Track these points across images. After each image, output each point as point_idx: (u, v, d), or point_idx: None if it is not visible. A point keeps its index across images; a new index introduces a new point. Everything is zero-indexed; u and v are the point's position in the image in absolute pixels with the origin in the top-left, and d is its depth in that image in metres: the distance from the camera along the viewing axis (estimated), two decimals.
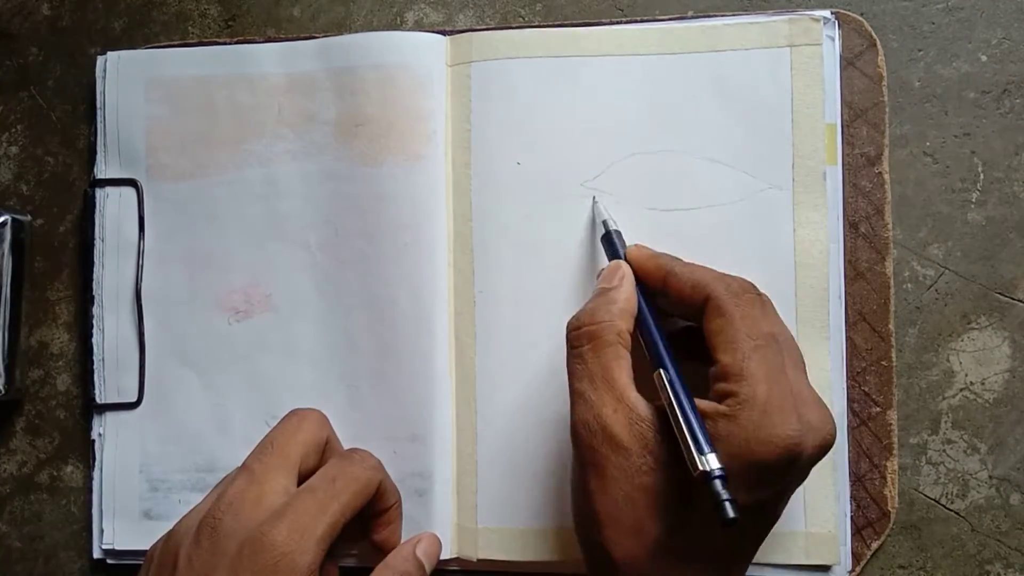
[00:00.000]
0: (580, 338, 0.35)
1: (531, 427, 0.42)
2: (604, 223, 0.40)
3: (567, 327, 0.36)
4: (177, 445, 0.45)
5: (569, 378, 0.35)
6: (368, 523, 0.40)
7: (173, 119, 0.45)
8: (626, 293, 0.36)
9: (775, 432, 0.31)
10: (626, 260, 0.38)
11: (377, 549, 0.40)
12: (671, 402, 0.33)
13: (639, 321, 0.36)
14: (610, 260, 0.39)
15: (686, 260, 0.37)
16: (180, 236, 0.45)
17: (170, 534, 0.37)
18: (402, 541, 0.41)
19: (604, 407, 0.33)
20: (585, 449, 0.34)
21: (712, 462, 0.30)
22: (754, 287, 0.35)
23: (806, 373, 0.35)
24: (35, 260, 0.47)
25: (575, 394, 0.35)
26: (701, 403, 0.33)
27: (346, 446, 0.42)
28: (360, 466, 0.38)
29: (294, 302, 0.44)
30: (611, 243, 0.40)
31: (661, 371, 0.34)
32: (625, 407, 0.33)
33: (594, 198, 0.42)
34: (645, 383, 0.34)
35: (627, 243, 0.39)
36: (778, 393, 0.32)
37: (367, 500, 0.38)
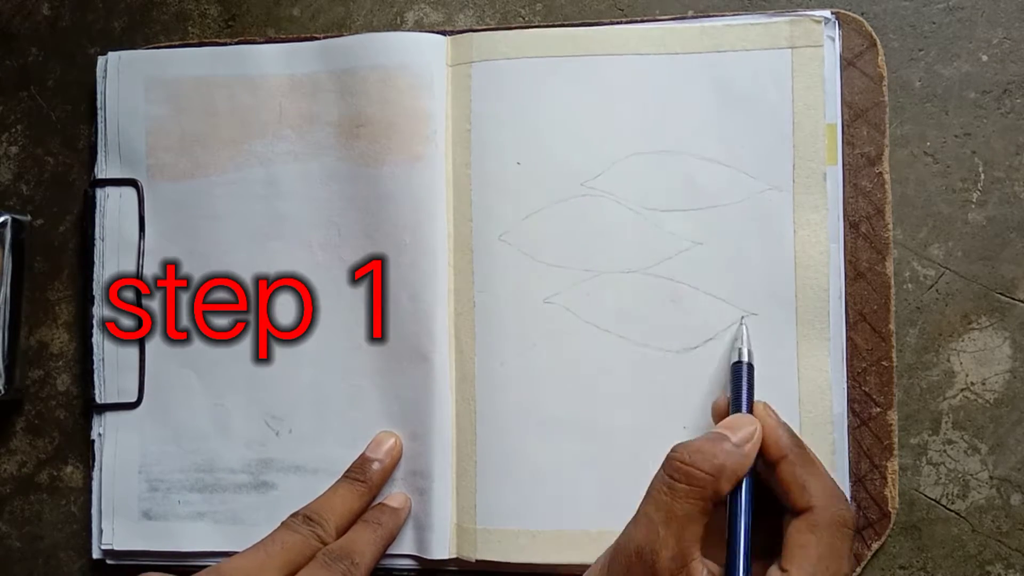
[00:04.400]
0: (681, 474, 0.34)
1: (531, 427, 0.42)
2: (740, 351, 0.39)
3: (673, 452, 0.35)
4: (177, 445, 0.45)
5: (647, 496, 0.34)
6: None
7: (173, 119, 0.45)
8: (745, 457, 0.35)
9: None
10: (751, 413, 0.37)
11: None
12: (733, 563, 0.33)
13: (735, 490, 0.35)
14: (731, 393, 0.38)
15: (806, 448, 0.36)
16: (180, 236, 0.45)
17: None
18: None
19: (665, 549, 0.33)
20: (622, 572, 0.34)
21: None
22: (856, 521, 0.35)
23: None
24: (35, 260, 0.47)
25: (644, 516, 0.34)
26: None
27: (347, 445, 0.43)
28: None
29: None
30: (738, 377, 0.38)
31: (734, 531, 0.34)
32: (682, 560, 0.33)
33: (742, 319, 0.41)
34: (709, 540, 0.34)
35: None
36: None
37: None
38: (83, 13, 0.48)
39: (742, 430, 0.35)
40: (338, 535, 0.40)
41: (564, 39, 0.43)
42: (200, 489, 0.44)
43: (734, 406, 0.38)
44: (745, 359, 0.39)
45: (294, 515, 0.40)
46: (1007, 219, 0.42)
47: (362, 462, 0.42)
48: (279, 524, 0.40)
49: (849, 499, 0.40)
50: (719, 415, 0.39)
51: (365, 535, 0.39)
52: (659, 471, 0.35)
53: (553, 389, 0.42)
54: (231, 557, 0.38)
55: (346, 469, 0.42)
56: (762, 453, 0.36)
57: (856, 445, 0.41)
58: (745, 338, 0.40)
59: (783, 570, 0.33)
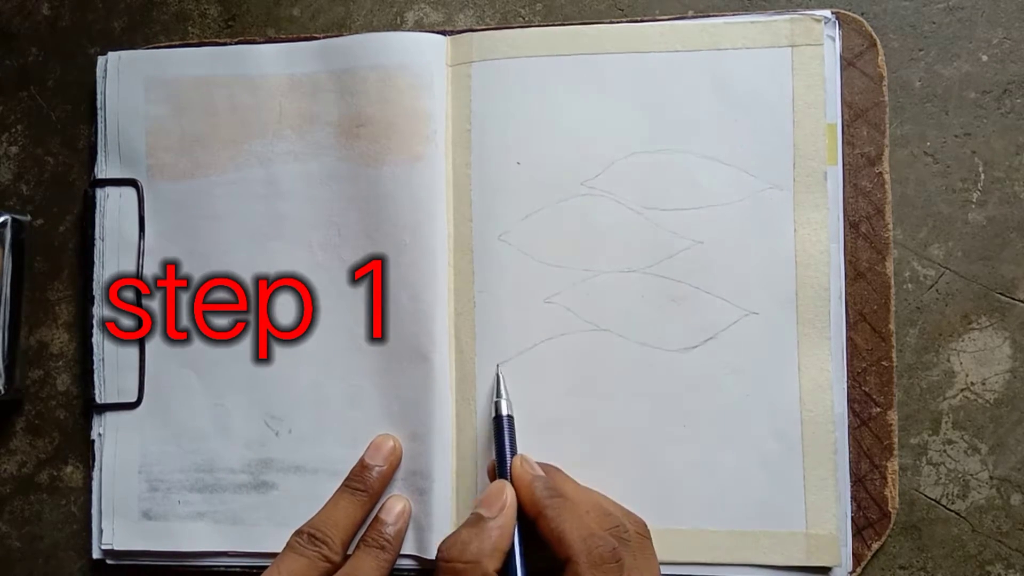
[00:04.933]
0: (447, 571, 0.35)
1: (531, 427, 0.42)
2: (496, 404, 0.40)
3: (438, 551, 0.36)
4: (176, 445, 0.45)
5: None
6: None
7: (173, 119, 0.45)
8: (502, 528, 0.36)
9: None
10: (510, 475, 0.38)
11: None
12: None
13: (509, 558, 0.36)
14: (496, 451, 0.39)
15: (575, 483, 0.38)
16: (180, 236, 0.45)
17: None
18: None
19: None
20: None
21: None
22: (615, 552, 0.34)
23: None
24: (35, 260, 0.47)
25: None
26: None
27: (347, 445, 0.43)
28: None
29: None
30: (500, 433, 0.40)
31: None
32: None
33: (498, 367, 0.42)
34: None
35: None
36: None
37: None
38: (83, 13, 0.48)
39: (496, 502, 0.37)
40: (343, 549, 0.40)
41: (564, 38, 0.43)
42: (200, 489, 0.44)
43: (498, 467, 0.39)
44: (504, 412, 0.40)
45: (298, 533, 0.40)
46: (1007, 219, 0.42)
47: (361, 469, 0.42)
48: (284, 545, 0.40)
49: (850, 500, 0.40)
50: (491, 476, 0.40)
51: (369, 561, 0.40)
52: (435, 573, 0.36)
53: (553, 389, 0.42)
54: None
55: (345, 478, 0.42)
56: (524, 512, 0.37)
57: (856, 445, 0.41)
58: (502, 387, 0.41)
59: None
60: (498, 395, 0.41)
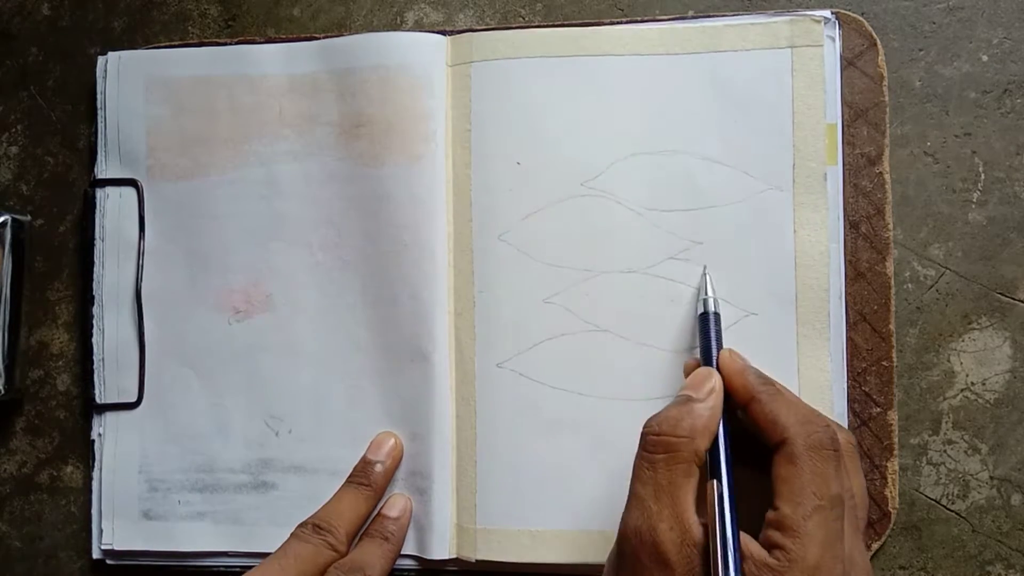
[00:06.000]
0: (656, 446, 0.34)
1: (531, 427, 0.42)
2: (704, 301, 0.40)
3: (645, 427, 0.35)
4: (176, 445, 0.45)
5: (633, 478, 0.35)
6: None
7: (173, 119, 0.45)
8: (712, 410, 0.35)
9: None
10: (717, 365, 0.37)
11: None
12: (715, 519, 0.32)
13: (714, 442, 0.35)
14: (701, 344, 0.39)
15: (776, 383, 0.36)
16: (180, 236, 0.45)
17: None
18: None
19: (661, 522, 0.33)
20: (630, 557, 0.33)
21: None
22: (835, 440, 0.34)
23: (863, 535, 0.35)
24: (35, 260, 0.47)
25: (635, 497, 0.34)
26: (749, 544, 0.32)
27: (347, 445, 0.43)
28: None
29: (295, 302, 0.44)
30: (706, 328, 0.39)
31: (715, 482, 0.34)
32: (681, 527, 0.33)
33: (705, 268, 0.41)
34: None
35: (710, 290, 0.40)
36: (830, 559, 0.31)
37: None
38: (83, 13, 0.48)
39: (704, 385, 0.36)
40: (348, 541, 0.40)
41: (564, 39, 0.43)
42: (200, 489, 0.44)
43: (703, 359, 0.38)
44: (711, 309, 0.39)
45: (303, 525, 0.40)
46: (1007, 219, 0.42)
47: (364, 465, 0.42)
48: (289, 535, 0.40)
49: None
50: (689, 373, 0.39)
51: (375, 549, 0.40)
52: (638, 449, 0.35)
53: (553, 389, 0.42)
54: (245, 573, 0.38)
55: (349, 474, 0.42)
56: (735, 399, 0.36)
57: (856, 445, 0.41)
58: (709, 287, 0.40)
59: (775, 508, 0.33)
60: (705, 293, 0.40)
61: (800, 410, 0.34)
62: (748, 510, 0.33)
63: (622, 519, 0.34)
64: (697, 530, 0.33)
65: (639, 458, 0.35)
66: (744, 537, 0.32)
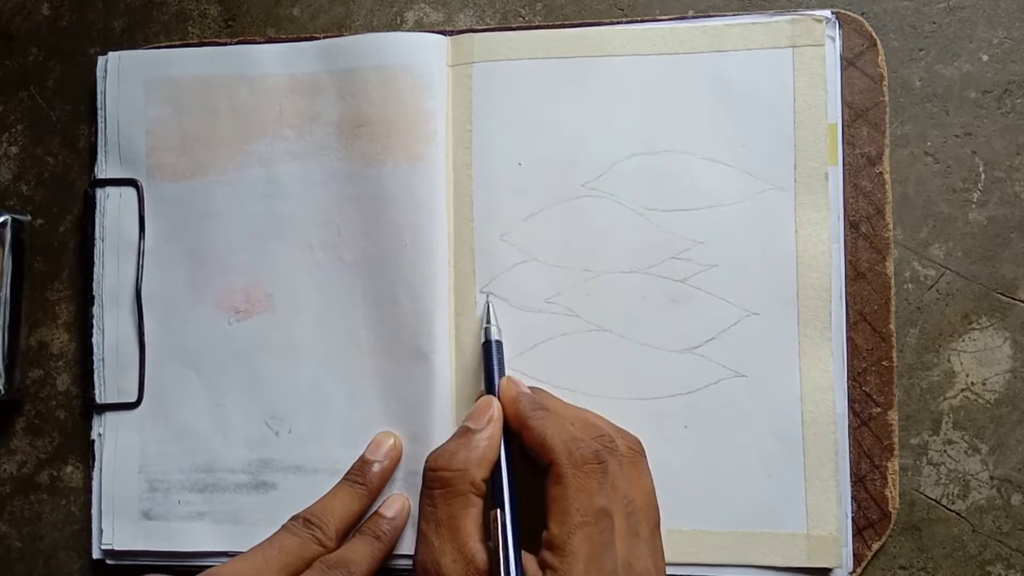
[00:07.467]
0: (434, 481, 0.36)
1: None
2: (486, 330, 0.41)
3: (425, 463, 0.37)
4: (177, 445, 0.44)
5: (419, 515, 0.36)
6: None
7: (173, 119, 0.45)
8: (489, 440, 0.37)
9: None
10: (498, 393, 0.38)
11: None
12: (500, 545, 0.34)
13: (496, 470, 0.37)
14: (484, 374, 0.40)
15: (562, 401, 0.38)
16: (180, 236, 0.45)
17: None
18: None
19: (444, 555, 0.34)
20: None
21: None
22: (599, 454, 0.35)
23: (652, 539, 0.35)
24: (35, 260, 0.47)
25: (420, 534, 0.36)
26: (529, 565, 0.33)
27: (347, 445, 0.43)
28: None
29: (295, 302, 0.44)
30: (488, 357, 0.40)
31: (498, 511, 0.35)
32: (464, 557, 0.34)
33: (488, 297, 0.42)
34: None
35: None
36: (595, 572, 0.32)
37: None
38: (83, 13, 0.48)
39: (484, 415, 0.37)
40: (338, 538, 0.40)
41: (564, 39, 0.43)
42: (200, 489, 0.44)
43: (486, 387, 0.40)
44: (493, 337, 0.40)
45: (294, 518, 0.40)
46: (1007, 219, 0.42)
47: (361, 464, 0.42)
48: (279, 527, 0.40)
49: (850, 500, 0.40)
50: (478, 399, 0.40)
51: (363, 547, 0.40)
52: (421, 486, 0.37)
53: (553, 389, 0.42)
54: (229, 560, 0.38)
55: (346, 471, 0.42)
56: (510, 426, 0.37)
57: (856, 445, 0.41)
58: (492, 316, 0.41)
59: (547, 528, 0.34)
60: (487, 322, 0.41)
61: (566, 430, 0.36)
62: (537, 531, 0.34)
63: (413, 557, 0.36)
64: (481, 557, 0.34)
65: (421, 495, 0.37)
66: (526, 558, 0.34)
